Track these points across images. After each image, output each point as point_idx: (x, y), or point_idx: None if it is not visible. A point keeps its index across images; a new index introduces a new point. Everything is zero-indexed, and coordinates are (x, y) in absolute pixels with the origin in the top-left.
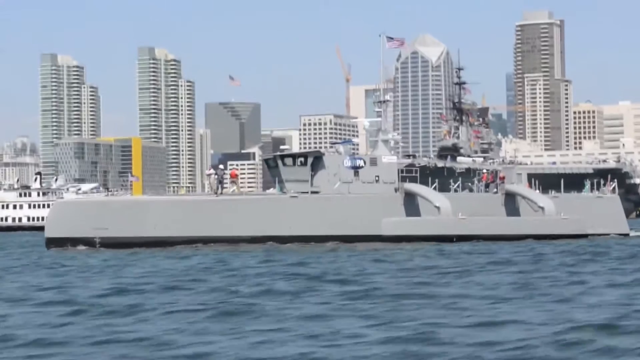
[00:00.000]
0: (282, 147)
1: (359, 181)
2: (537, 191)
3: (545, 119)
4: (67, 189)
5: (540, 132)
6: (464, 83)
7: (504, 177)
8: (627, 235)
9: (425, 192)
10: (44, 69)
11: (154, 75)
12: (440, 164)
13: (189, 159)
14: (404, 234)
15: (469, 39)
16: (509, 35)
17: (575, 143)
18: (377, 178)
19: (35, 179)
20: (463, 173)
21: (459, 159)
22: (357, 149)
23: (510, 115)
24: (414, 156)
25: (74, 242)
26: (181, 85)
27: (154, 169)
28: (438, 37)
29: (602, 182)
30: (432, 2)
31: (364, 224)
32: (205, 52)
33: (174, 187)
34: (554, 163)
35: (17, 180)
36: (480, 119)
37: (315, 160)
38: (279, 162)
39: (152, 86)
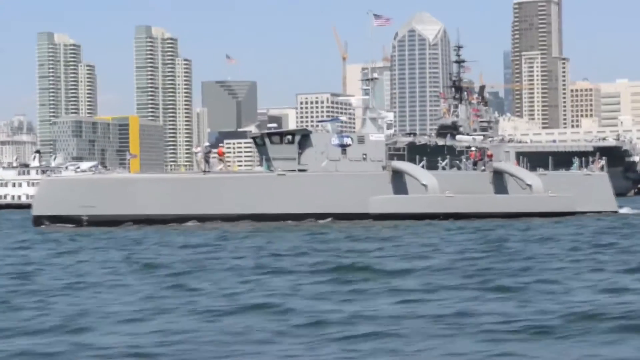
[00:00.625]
0: (269, 125)
1: (346, 159)
2: (525, 169)
3: (542, 97)
4: (66, 167)
5: (538, 110)
6: (463, 61)
7: (491, 155)
8: (615, 212)
9: (413, 169)
10: (40, 48)
11: (151, 54)
12: (440, 142)
13: (186, 137)
14: (390, 212)
15: (467, 17)
16: (507, 14)
17: (572, 121)
18: (364, 156)
19: (34, 157)
20: (463, 151)
21: (458, 137)
22: (353, 127)
23: (507, 94)
24: (415, 134)
25: (61, 220)
26: (178, 64)
27: (151, 147)
28: (435, 15)
29: (590, 159)
30: None
31: (351, 202)
32: (202, 30)
33: (171, 165)
34: (554, 141)
35: (16, 159)
36: (480, 97)
37: (302, 139)
38: (266, 140)
39: (149, 65)
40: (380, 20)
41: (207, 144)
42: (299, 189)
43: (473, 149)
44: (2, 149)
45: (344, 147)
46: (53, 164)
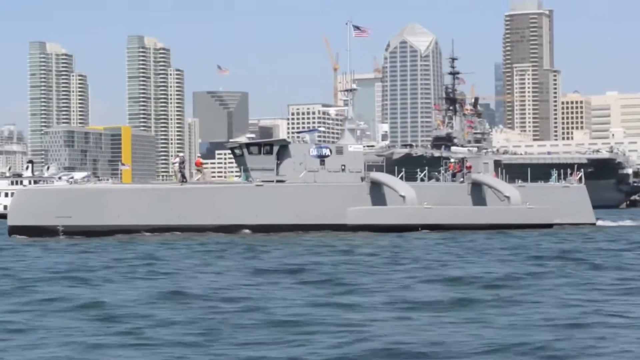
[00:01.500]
0: (247, 135)
1: (325, 170)
2: (504, 181)
3: (534, 109)
4: (60, 177)
5: (529, 122)
6: (458, 73)
7: (470, 167)
8: (593, 224)
9: (391, 181)
10: (32, 57)
11: (143, 64)
12: (437, 153)
13: (178, 147)
14: (368, 223)
15: (458, 29)
16: (498, 25)
17: (563, 133)
18: (343, 167)
19: (27, 167)
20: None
21: (453, 148)
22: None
23: (498, 105)
24: (412, 146)
25: (37, 230)
26: (170, 74)
27: (143, 157)
28: (427, 26)
29: (568, 171)
30: None
31: (329, 213)
32: (194, 41)
33: (163, 175)
34: (549, 153)
35: (9, 169)
36: (473, 109)
37: (281, 149)
38: (245, 150)
39: (142, 75)
40: (359, 31)
41: (181, 154)
42: (276, 200)
43: (452, 160)
44: None
45: (322, 157)
46: (46, 174)
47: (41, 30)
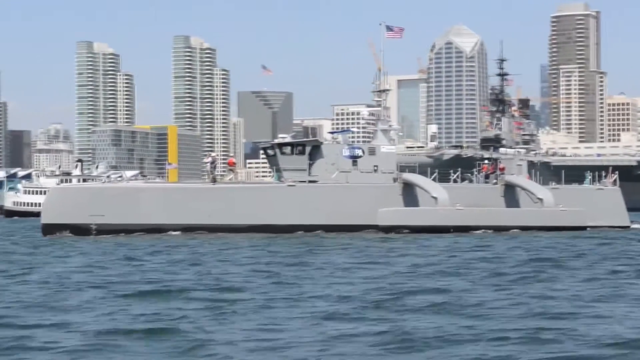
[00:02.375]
0: (280, 135)
1: (357, 171)
2: (537, 183)
3: (580, 111)
4: (109, 176)
5: (575, 124)
6: (506, 74)
7: (503, 168)
8: (627, 227)
9: (423, 182)
10: (80, 57)
11: (189, 64)
12: (486, 155)
13: (223, 147)
14: (399, 224)
15: (504, 30)
16: (544, 27)
17: (609, 135)
18: (375, 168)
19: (76, 166)
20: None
21: (502, 150)
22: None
23: (544, 107)
24: (461, 147)
25: (70, 228)
26: (216, 74)
27: (189, 156)
28: (472, 27)
29: (603, 174)
30: None
31: (360, 214)
32: (239, 41)
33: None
34: (598, 155)
35: (59, 167)
36: (522, 110)
37: (313, 149)
38: (277, 150)
39: (187, 74)
40: (392, 32)
41: (213, 153)
42: (308, 200)
43: (486, 162)
44: (39, 157)
45: (355, 158)
46: (95, 173)
47: (89, 30)
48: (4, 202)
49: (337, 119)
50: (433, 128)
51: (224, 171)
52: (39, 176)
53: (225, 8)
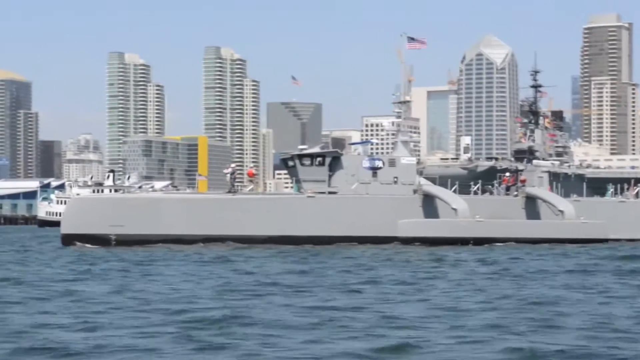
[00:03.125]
0: (300, 146)
1: (377, 182)
2: (559, 195)
3: (611, 123)
4: (140, 187)
5: (606, 136)
6: (540, 86)
7: (524, 180)
8: None
9: (443, 194)
10: (111, 67)
11: (219, 75)
12: (521, 167)
13: (253, 158)
14: (419, 235)
15: (535, 42)
16: (576, 38)
17: None
18: (395, 179)
19: (108, 176)
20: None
21: (535, 162)
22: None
23: (575, 119)
24: (496, 159)
25: (90, 239)
26: (246, 85)
27: (218, 167)
28: (503, 38)
29: (625, 186)
30: (497, 3)
31: (380, 225)
32: (269, 52)
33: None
34: (633, 167)
35: (91, 177)
36: (556, 122)
37: (333, 161)
38: (297, 161)
39: (218, 85)
40: (414, 43)
41: (233, 165)
42: (328, 211)
43: (507, 174)
44: (69, 167)
45: (375, 169)
46: (127, 183)
47: (120, 41)
48: (38, 212)
49: (367, 130)
50: (466, 140)
51: (239, 181)
52: (71, 186)
53: (256, 19)
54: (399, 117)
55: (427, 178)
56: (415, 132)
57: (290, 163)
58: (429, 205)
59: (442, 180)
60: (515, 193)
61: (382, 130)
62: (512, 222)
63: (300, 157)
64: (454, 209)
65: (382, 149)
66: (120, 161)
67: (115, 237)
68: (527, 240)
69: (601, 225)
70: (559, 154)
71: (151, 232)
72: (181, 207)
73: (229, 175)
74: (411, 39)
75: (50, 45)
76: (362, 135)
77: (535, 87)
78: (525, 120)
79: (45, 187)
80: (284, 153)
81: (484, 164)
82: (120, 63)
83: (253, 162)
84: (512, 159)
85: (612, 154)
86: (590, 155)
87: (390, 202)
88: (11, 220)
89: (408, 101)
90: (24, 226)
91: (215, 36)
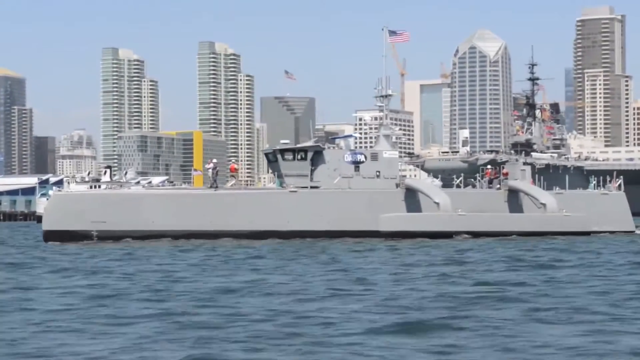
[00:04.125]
0: (282, 141)
1: (359, 176)
2: (541, 188)
3: (605, 115)
4: (138, 182)
5: (600, 128)
6: (537, 79)
7: (507, 173)
8: (632, 232)
9: (425, 187)
10: (105, 63)
11: (213, 70)
12: (521, 160)
13: (247, 152)
14: (401, 230)
15: (528, 34)
16: (569, 31)
17: (635, 139)
18: (378, 173)
19: (105, 172)
20: (543, 169)
21: (534, 154)
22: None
23: (569, 111)
24: (497, 152)
25: (72, 235)
26: (240, 80)
27: None
28: (496, 32)
29: (607, 178)
30: None
31: (363, 220)
32: (262, 46)
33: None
34: (632, 159)
35: (89, 173)
36: (552, 115)
37: (315, 155)
38: (279, 156)
39: (212, 80)
40: (395, 36)
41: (215, 160)
42: (310, 206)
43: (489, 167)
44: (62, 162)
45: (357, 164)
46: (124, 179)
47: (114, 37)
48: (37, 208)
49: (360, 124)
50: (465, 133)
51: (221, 176)
52: (69, 183)
53: (249, 14)
54: (381, 110)
55: (427, 171)
56: (407, 126)
57: (272, 158)
58: (412, 199)
59: (444, 174)
60: (498, 186)
61: (364, 124)
62: (494, 216)
63: (282, 151)
64: (436, 203)
65: (366, 142)
66: (115, 157)
67: (97, 234)
68: (509, 233)
69: (583, 218)
70: (556, 147)
71: (133, 227)
72: (163, 202)
73: (210, 170)
74: (392, 32)
75: (43, 41)
76: (355, 129)
77: (532, 79)
78: (520, 113)
79: (43, 184)
80: (267, 149)
81: (484, 157)
82: (114, 59)
83: (248, 156)
84: (512, 152)
85: (606, 146)
86: (585, 148)
87: (373, 196)
88: (10, 217)
89: (390, 95)
90: (22, 222)
91: (209, 31)
